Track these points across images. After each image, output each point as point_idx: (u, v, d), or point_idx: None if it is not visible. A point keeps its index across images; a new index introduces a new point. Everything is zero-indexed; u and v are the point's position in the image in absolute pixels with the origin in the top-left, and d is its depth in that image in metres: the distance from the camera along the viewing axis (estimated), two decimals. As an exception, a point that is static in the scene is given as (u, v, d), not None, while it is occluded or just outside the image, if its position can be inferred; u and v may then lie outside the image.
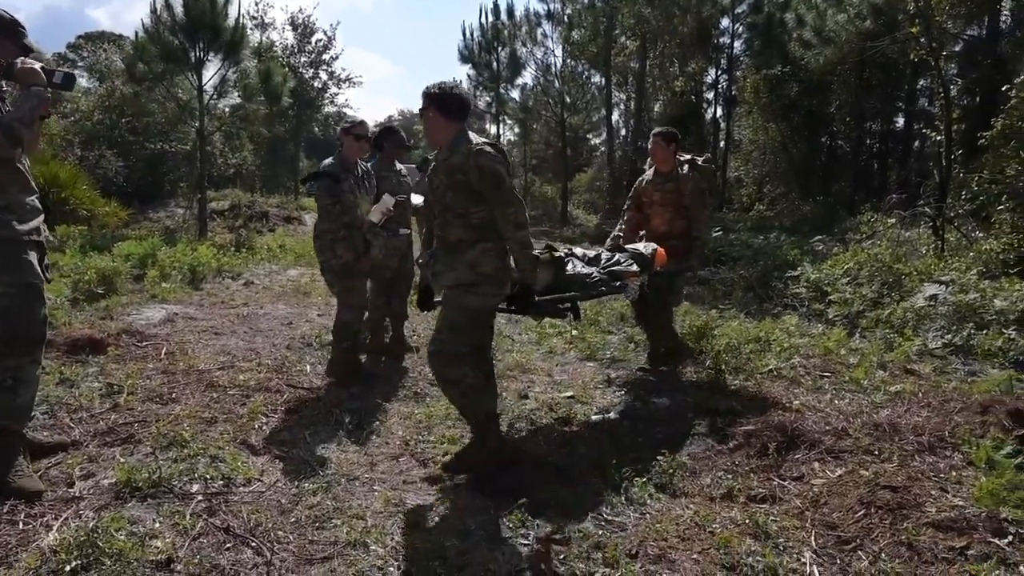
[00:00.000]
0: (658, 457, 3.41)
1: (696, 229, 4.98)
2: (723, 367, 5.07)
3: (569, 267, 4.06)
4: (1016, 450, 3.00)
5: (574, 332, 6.32)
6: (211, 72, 13.32)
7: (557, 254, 4.04)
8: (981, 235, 7.73)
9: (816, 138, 19.54)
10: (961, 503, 2.72)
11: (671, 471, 3.23)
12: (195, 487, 2.95)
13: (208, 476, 3.04)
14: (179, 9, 12.64)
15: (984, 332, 5.44)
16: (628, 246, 4.78)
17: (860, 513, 2.69)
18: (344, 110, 31.65)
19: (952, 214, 8.38)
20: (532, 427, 3.96)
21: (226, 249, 10.14)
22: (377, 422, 3.94)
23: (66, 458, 3.16)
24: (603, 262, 4.31)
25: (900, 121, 19.78)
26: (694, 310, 7.33)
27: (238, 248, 10.50)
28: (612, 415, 4.18)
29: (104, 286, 6.86)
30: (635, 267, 4.28)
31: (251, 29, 25.37)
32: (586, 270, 4.10)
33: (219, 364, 4.81)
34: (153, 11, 12.72)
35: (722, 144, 22.73)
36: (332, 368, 4.74)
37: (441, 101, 3.15)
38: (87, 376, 4.34)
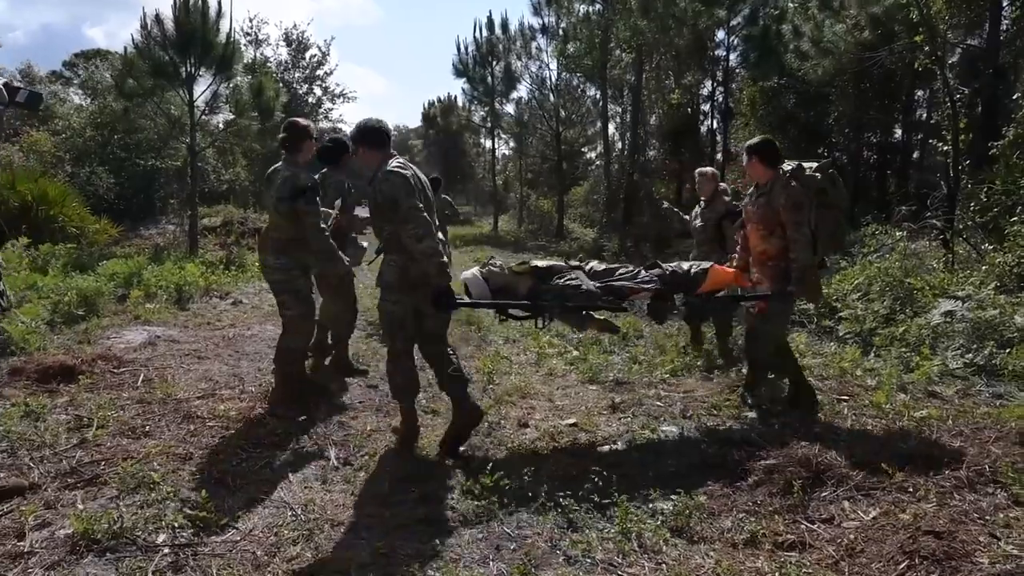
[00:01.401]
0: (672, 496, 3.13)
1: (793, 249, 4.14)
2: (736, 388, 4.81)
3: (569, 280, 4.11)
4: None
5: (575, 353, 6.04)
6: (202, 88, 13.12)
7: (536, 264, 4.21)
8: (992, 248, 7.49)
9: (814, 150, 19.36)
10: (1016, 552, 2.44)
11: (687, 512, 2.94)
12: (161, 537, 2.66)
13: (177, 524, 2.75)
14: (170, 25, 12.42)
15: (1007, 351, 5.18)
16: (670, 264, 4.58)
17: (903, 565, 2.41)
18: (339, 125, 31.54)
19: (961, 226, 8.15)
20: (534, 459, 3.66)
21: (215, 267, 9.85)
22: (366, 455, 3.65)
23: (20, 504, 2.87)
24: (613, 276, 4.25)
25: (898, 132, 19.65)
26: (704, 328, 7.06)
27: (228, 266, 10.21)
28: (619, 445, 3.90)
29: (85, 308, 6.57)
30: (650, 284, 4.18)
31: (245, 45, 25.35)
32: (574, 283, 4.06)
33: (199, 392, 4.52)
34: (143, 27, 12.49)
35: (719, 156, 22.59)
36: (276, 396, 4.39)
37: (364, 137, 3.69)
38: (55, 408, 4.05)
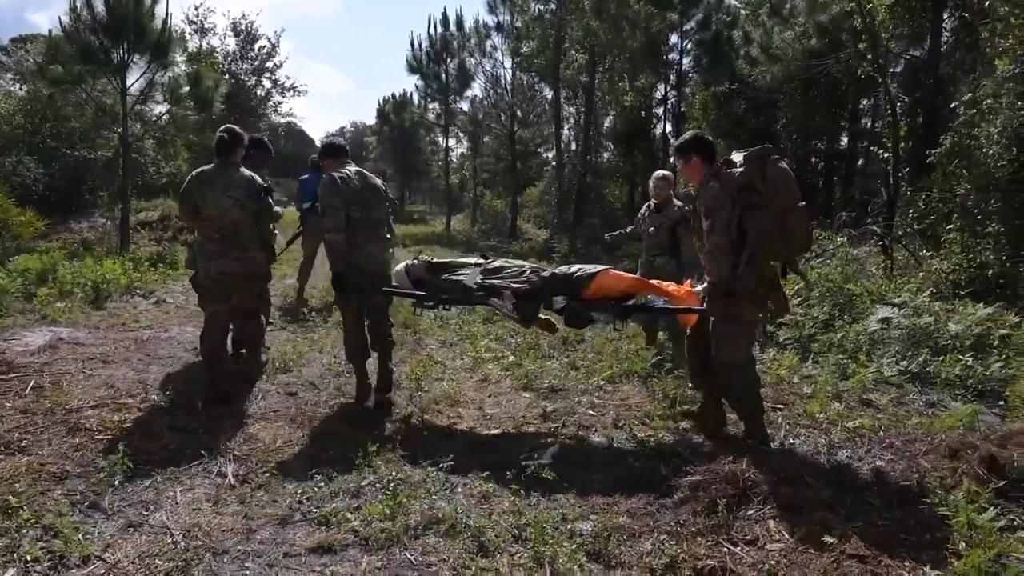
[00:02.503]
0: (592, 515, 2.94)
1: (703, 261, 3.77)
2: (669, 396, 4.66)
3: (461, 275, 4.56)
4: (999, 512, 2.61)
5: (511, 358, 5.83)
6: (136, 75, 12.49)
7: (428, 259, 4.82)
8: (929, 255, 7.56)
9: (764, 155, 19.66)
10: (940, 578, 2.31)
11: (607, 534, 2.75)
12: (10, 572, 2.34)
13: (31, 556, 2.43)
14: (101, 8, 11.77)
15: (940, 359, 5.16)
16: (576, 267, 4.44)
17: (825, 594, 2.25)
18: (289, 120, 30.80)
19: (900, 232, 8.22)
20: (452, 474, 3.43)
21: (142, 263, 9.34)
22: (269, 472, 3.36)
23: None
24: (500, 274, 4.47)
25: (844, 140, 20.03)
26: (636, 331, 6.94)
27: (156, 263, 9.70)
28: (544, 459, 3.69)
29: (-15, 306, 6.10)
30: (522, 285, 4.28)
31: (190, 34, 24.46)
32: (462, 278, 4.51)
33: (95, 401, 4.15)
34: (72, 8, 11.77)
35: (672, 159, 22.71)
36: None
37: (324, 152, 4.61)
38: (-79, 420, 3.65)
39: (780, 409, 4.52)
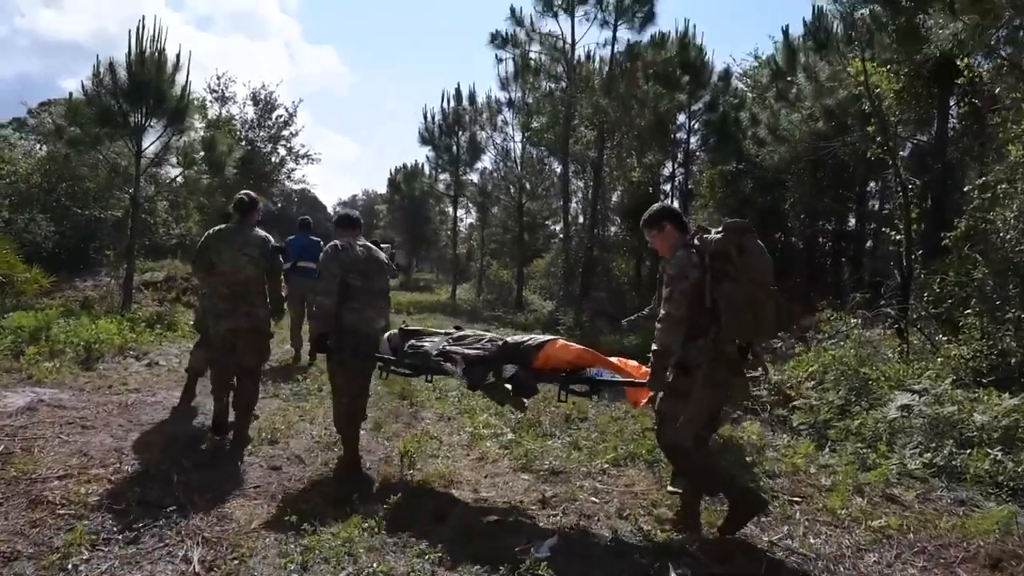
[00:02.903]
0: (592, 623, 2.63)
1: (657, 327, 3.49)
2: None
3: (425, 342, 4.68)
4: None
5: (510, 436, 5.54)
6: (152, 138, 12.70)
7: (404, 328, 4.97)
8: (947, 340, 7.31)
9: (770, 235, 19.64)
10: None
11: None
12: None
13: (-44, 655, 2.15)
14: (123, 73, 12.08)
15: (967, 452, 4.85)
16: (527, 337, 4.45)
17: None
18: (303, 186, 31.34)
19: (915, 316, 8.00)
20: (438, 570, 3.13)
21: (139, 323, 9.18)
22: (238, 559, 3.07)
23: None
24: (460, 343, 4.56)
25: (852, 221, 20.07)
26: (644, 412, 6.65)
27: (154, 324, 9.53)
28: (542, 552, 3.38)
29: (-29, 364, 5.90)
30: (471, 352, 4.38)
31: (211, 102, 25.21)
32: (425, 344, 4.63)
33: (64, 470, 3.89)
34: (95, 75, 12.12)
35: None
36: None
37: (336, 223, 4.70)
38: None
39: (797, 503, 4.20)
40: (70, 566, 2.82)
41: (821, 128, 14.09)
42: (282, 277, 6.19)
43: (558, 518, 3.92)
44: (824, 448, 5.36)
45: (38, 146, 20.17)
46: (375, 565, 3.02)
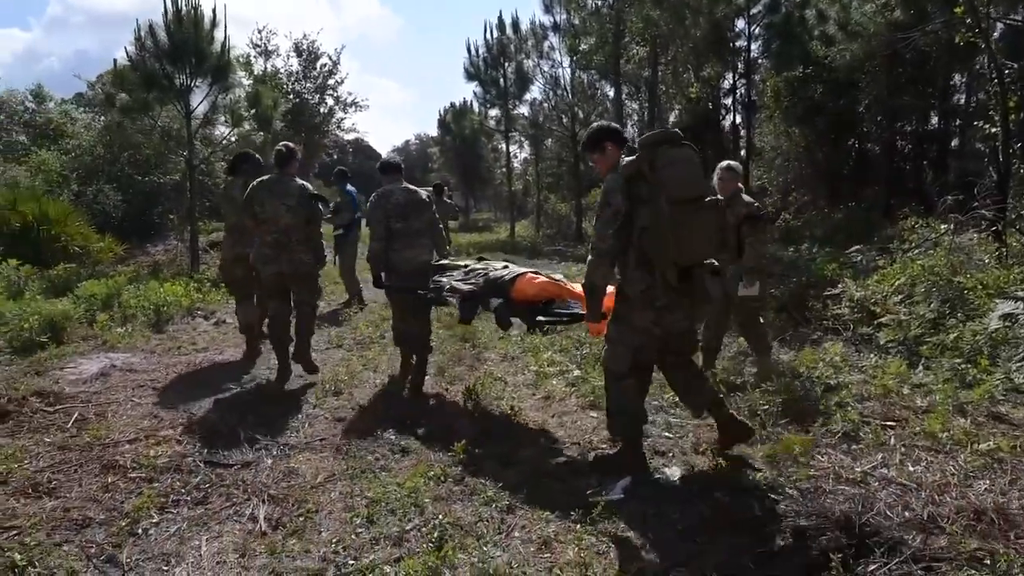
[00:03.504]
0: (673, 571, 2.45)
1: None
2: (758, 414, 4.09)
3: (444, 277, 4.88)
4: None
5: (576, 372, 5.36)
6: (199, 99, 12.72)
7: (437, 262, 5.16)
8: (1052, 239, 6.64)
9: (843, 141, 18.38)
10: None
11: (693, 598, 2.26)
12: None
13: (29, 627, 2.15)
14: (163, 35, 12.03)
15: (1084, 361, 4.39)
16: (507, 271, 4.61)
17: None
18: (356, 136, 31.29)
19: (1015, 216, 7.29)
20: (508, 515, 3.00)
21: (204, 284, 9.35)
22: (305, 514, 3.02)
23: None
24: (472, 276, 4.68)
25: (934, 120, 18.53)
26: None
27: (219, 283, 9.68)
28: (614, 494, 3.21)
29: (50, 334, 6.08)
30: (469, 287, 4.55)
31: (255, 57, 25.12)
32: (443, 280, 4.82)
33: (136, 433, 3.94)
34: (137, 39, 12.10)
35: (743, 152, 21.64)
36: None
37: (382, 169, 5.17)
38: (-43, 459, 3.50)
39: (892, 427, 3.88)
40: (140, 530, 2.82)
41: (898, 18, 12.88)
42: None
43: (630, 456, 3.74)
44: (917, 367, 4.97)
45: (99, 118, 20.67)
46: (441, 516, 2.91)
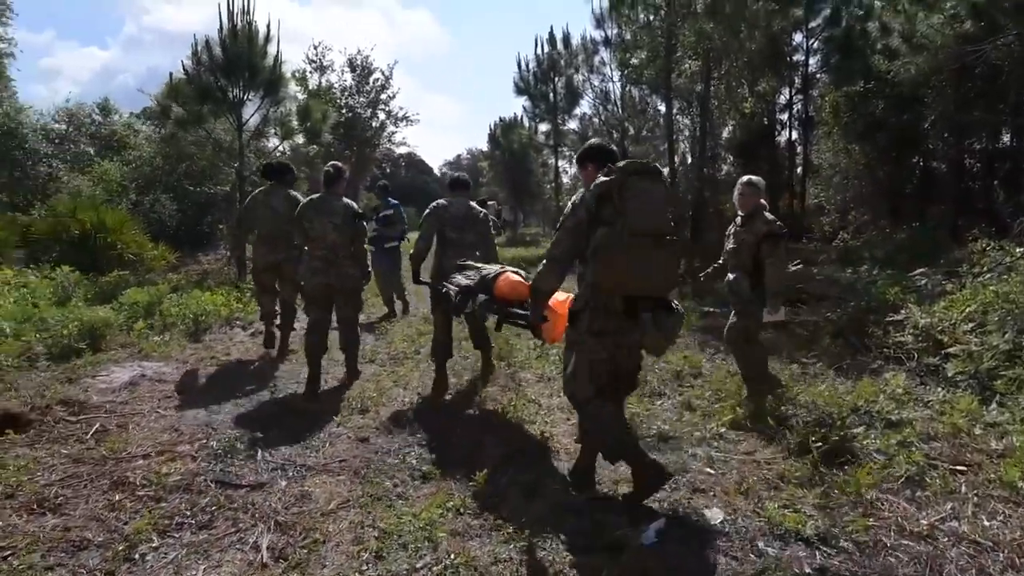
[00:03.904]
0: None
1: None
2: (811, 452, 3.74)
3: (458, 276, 4.88)
4: None
5: (614, 397, 5.06)
6: (251, 111, 12.94)
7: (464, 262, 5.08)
8: None
9: (906, 158, 17.57)
10: None
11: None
12: None
13: (0, 664, 2.00)
14: (218, 50, 12.29)
15: None
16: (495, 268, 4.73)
17: None
18: (409, 150, 31.66)
19: (1098, 239, 6.69)
20: (529, 554, 2.75)
21: (245, 293, 9.38)
22: (310, 545, 2.83)
23: None
24: (468, 276, 4.77)
25: (1006, 137, 17.55)
26: (769, 363, 5.96)
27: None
28: (647, 537, 2.93)
29: (88, 341, 6.11)
30: (466, 282, 4.64)
31: (310, 72, 25.66)
32: (460, 278, 4.81)
33: (153, 447, 3.83)
34: (194, 53, 12.40)
35: (799, 170, 20.92)
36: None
37: (451, 185, 5.64)
38: (-29, 469, 3.44)
39: (962, 473, 3.49)
40: (137, 555, 2.67)
41: (967, 30, 12.20)
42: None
43: (666, 492, 3.44)
44: (990, 404, 4.52)
45: (159, 130, 21.38)
46: (454, 556, 2.68)
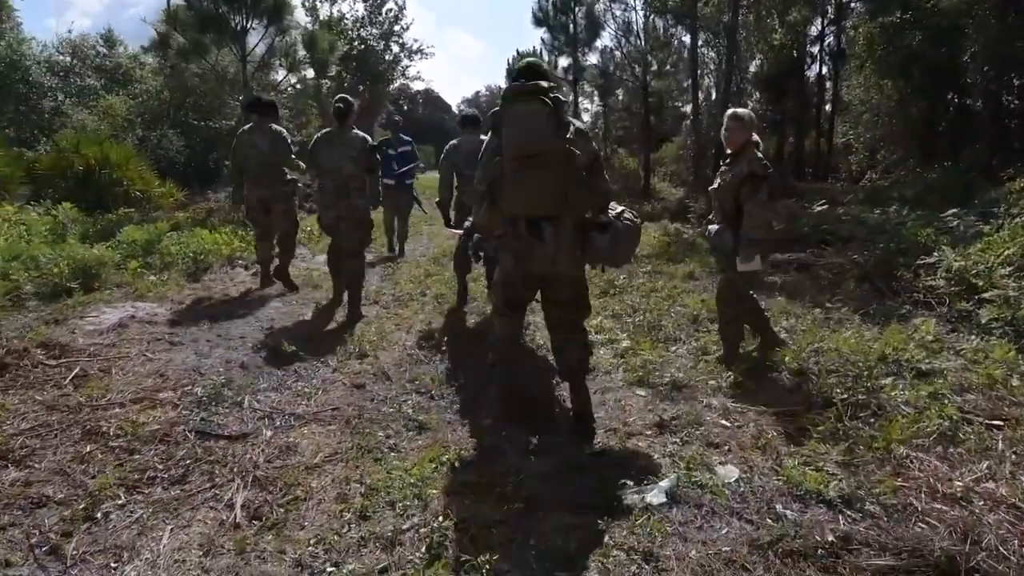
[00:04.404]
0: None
1: None
2: (834, 404, 3.47)
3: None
4: None
5: (625, 343, 4.80)
6: (256, 41, 12.44)
7: None
8: None
9: (942, 95, 16.69)
10: None
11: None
12: None
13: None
14: (219, -25, 11.73)
15: None
16: None
17: None
18: (425, 86, 30.84)
19: None
20: (524, 515, 2.53)
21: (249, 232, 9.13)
22: (289, 504, 2.63)
23: None
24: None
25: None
26: (790, 307, 5.65)
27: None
28: (654, 496, 2.70)
29: (80, 280, 5.91)
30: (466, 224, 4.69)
31: (320, 2, 24.73)
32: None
33: (134, 393, 3.64)
34: (193, -23, 11.86)
35: (827, 106, 20.05)
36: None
37: (461, 122, 5.98)
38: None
39: (999, 428, 3.20)
40: (99, 514, 2.49)
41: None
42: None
43: (678, 446, 3.21)
44: (1030, 353, 4.19)
45: (166, 63, 20.80)
46: (442, 518, 2.47)
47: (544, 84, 3.13)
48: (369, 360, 4.49)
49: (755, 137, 4.28)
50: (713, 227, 4.37)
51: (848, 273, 6.84)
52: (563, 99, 3.21)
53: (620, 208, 3.42)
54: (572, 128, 3.13)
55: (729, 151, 4.31)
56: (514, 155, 3.11)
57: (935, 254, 6.18)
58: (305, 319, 5.51)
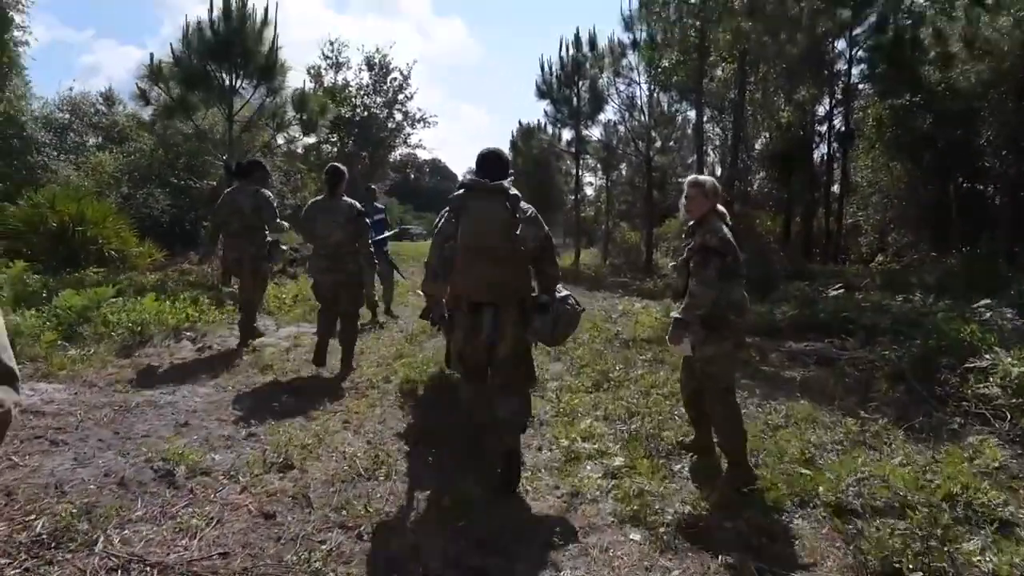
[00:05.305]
0: None
1: None
2: (896, 564, 2.52)
3: None
4: None
5: (618, 460, 3.86)
6: (246, 101, 11.96)
7: None
8: None
9: (953, 178, 16.16)
10: None
11: None
12: None
13: None
14: (209, 33, 11.33)
15: None
16: None
17: None
18: (419, 151, 30.65)
19: None
20: None
21: (216, 299, 8.31)
22: None
23: None
24: None
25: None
26: (817, 414, 4.74)
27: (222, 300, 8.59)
28: None
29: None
30: None
31: (325, 69, 24.78)
32: None
33: (-47, 525, 2.70)
34: (184, 36, 11.45)
35: (835, 187, 19.55)
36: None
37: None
38: None
39: None
40: None
41: (1039, 34, 10.91)
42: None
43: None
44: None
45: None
46: None
47: (505, 183, 3.38)
48: (292, 475, 3.55)
49: (720, 208, 3.65)
50: (675, 312, 3.72)
51: (879, 371, 5.94)
52: (519, 196, 3.40)
53: (566, 292, 3.61)
54: (524, 216, 3.34)
55: (691, 221, 3.70)
56: (466, 245, 3.35)
57: (986, 356, 5.28)
58: (234, 412, 4.58)
